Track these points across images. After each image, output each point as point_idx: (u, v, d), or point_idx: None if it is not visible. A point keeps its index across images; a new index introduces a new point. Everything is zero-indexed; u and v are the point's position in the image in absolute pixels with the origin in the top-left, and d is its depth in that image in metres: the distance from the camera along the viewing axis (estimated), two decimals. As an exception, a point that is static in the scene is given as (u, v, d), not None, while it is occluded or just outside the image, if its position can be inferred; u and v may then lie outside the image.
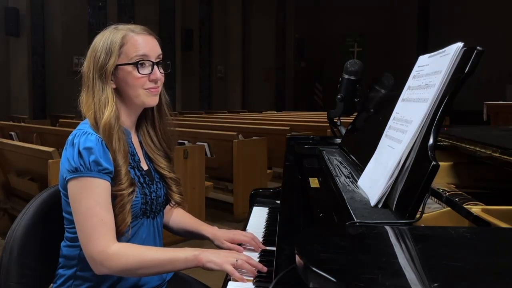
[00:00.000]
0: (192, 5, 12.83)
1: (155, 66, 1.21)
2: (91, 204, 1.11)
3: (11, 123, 6.90)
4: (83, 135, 1.14)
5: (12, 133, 5.68)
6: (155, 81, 1.22)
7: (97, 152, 1.12)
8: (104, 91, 1.18)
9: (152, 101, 1.23)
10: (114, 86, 1.20)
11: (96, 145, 1.13)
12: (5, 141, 3.97)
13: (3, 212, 3.78)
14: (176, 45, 12.24)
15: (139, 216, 1.23)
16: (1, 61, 9.41)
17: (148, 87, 1.21)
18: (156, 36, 1.26)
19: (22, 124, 6.65)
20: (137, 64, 1.19)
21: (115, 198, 1.15)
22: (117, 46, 1.18)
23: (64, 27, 9.53)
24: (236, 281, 1.05)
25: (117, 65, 1.19)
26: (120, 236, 1.15)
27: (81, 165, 1.11)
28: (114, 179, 1.15)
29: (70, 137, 1.17)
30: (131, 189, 1.16)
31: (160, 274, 1.26)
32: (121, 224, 1.15)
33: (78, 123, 1.22)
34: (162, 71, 1.24)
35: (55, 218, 1.31)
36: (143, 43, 1.21)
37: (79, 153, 1.12)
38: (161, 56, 1.24)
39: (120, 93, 1.22)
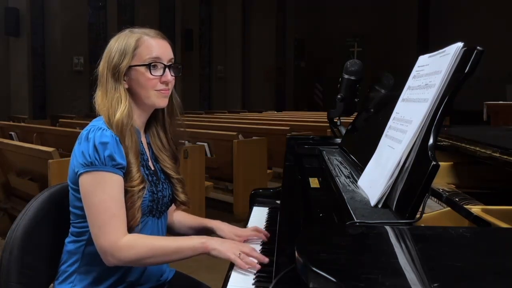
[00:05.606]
0: (192, 5, 12.82)
1: (167, 69, 1.26)
2: (104, 198, 1.15)
3: (11, 123, 6.89)
4: (98, 130, 1.17)
5: (12, 133, 5.67)
6: (166, 83, 1.26)
7: (112, 147, 1.16)
8: (117, 90, 1.23)
9: (162, 102, 1.27)
10: (126, 86, 1.25)
11: (111, 140, 1.16)
12: (5, 141, 3.97)
13: (3, 212, 3.77)
14: (176, 45, 12.23)
15: (146, 214, 1.26)
16: (1, 61, 9.41)
17: (159, 89, 1.25)
18: (169, 41, 1.31)
19: (22, 124, 6.64)
20: (149, 66, 1.23)
21: (126, 193, 1.18)
22: (131, 48, 1.23)
23: (64, 27, 9.51)
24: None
25: (130, 66, 1.23)
26: (130, 231, 1.19)
27: (96, 159, 1.14)
28: (126, 175, 1.19)
29: (84, 132, 1.20)
30: (142, 186, 1.20)
31: (169, 262, 1.30)
32: (131, 220, 1.19)
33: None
34: (173, 74, 1.28)
35: (55, 218, 1.31)
36: (157, 46, 1.25)
37: (95, 147, 1.15)
38: (173, 60, 1.28)
39: (132, 94, 1.26)
